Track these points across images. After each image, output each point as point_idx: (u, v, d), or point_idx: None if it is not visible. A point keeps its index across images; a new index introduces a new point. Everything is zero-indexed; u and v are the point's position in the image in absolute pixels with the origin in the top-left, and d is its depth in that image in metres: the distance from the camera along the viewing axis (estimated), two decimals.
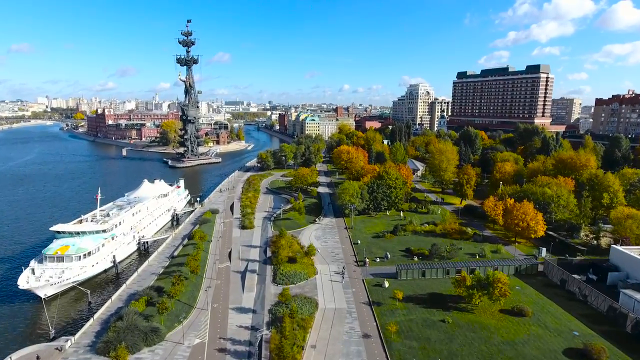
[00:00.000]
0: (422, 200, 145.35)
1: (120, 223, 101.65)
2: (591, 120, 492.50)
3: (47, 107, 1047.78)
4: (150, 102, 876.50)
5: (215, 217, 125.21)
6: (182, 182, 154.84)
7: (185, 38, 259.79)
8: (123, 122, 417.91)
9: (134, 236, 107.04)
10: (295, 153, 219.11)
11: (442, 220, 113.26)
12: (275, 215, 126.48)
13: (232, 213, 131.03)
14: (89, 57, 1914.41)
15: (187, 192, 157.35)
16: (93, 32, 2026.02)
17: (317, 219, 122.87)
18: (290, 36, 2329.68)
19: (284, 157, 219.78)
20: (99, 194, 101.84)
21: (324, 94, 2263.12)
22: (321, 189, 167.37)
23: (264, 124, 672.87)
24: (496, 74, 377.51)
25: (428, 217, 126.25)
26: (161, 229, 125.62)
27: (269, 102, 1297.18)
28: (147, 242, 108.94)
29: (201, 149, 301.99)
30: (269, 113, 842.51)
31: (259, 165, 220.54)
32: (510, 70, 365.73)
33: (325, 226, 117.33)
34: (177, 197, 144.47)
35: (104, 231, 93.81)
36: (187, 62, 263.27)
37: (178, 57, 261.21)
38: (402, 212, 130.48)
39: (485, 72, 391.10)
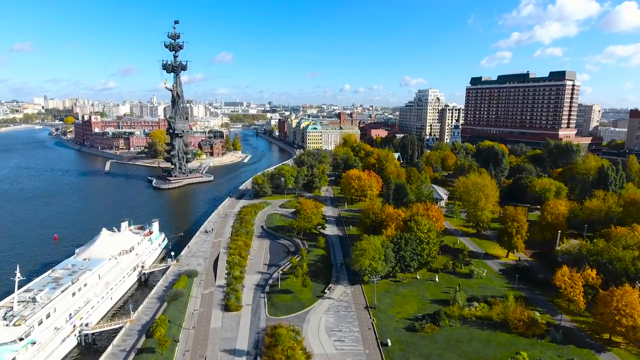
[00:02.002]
0: (456, 249, 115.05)
1: (48, 315, 71.20)
2: (612, 128, 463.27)
3: (43, 108, 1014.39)
4: (145, 105, 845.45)
5: (192, 284, 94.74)
6: (156, 225, 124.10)
7: (172, 41, 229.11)
8: (110, 130, 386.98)
9: (74, 326, 76.74)
10: (296, 177, 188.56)
11: (504, 308, 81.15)
12: (271, 282, 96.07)
13: (215, 276, 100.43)
14: (92, 55, 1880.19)
15: (162, 236, 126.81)
16: (96, 31, 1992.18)
17: (326, 290, 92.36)
18: (292, 36, 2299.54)
19: (283, 180, 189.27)
20: (18, 274, 71.40)
21: (324, 94, 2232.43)
22: (329, 228, 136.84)
23: (262, 129, 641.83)
24: (515, 80, 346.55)
25: (472, 284, 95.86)
26: (120, 299, 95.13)
27: (269, 103, 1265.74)
28: (91, 334, 78.33)
29: (192, 164, 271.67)
30: (268, 115, 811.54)
31: (254, 189, 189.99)
32: (531, 76, 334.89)
33: (339, 304, 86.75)
34: (148, 247, 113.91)
35: (15, 341, 63.41)
36: (174, 69, 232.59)
37: (164, 62, 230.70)
38: (436, 275, 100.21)
39: (503, 78, 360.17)
